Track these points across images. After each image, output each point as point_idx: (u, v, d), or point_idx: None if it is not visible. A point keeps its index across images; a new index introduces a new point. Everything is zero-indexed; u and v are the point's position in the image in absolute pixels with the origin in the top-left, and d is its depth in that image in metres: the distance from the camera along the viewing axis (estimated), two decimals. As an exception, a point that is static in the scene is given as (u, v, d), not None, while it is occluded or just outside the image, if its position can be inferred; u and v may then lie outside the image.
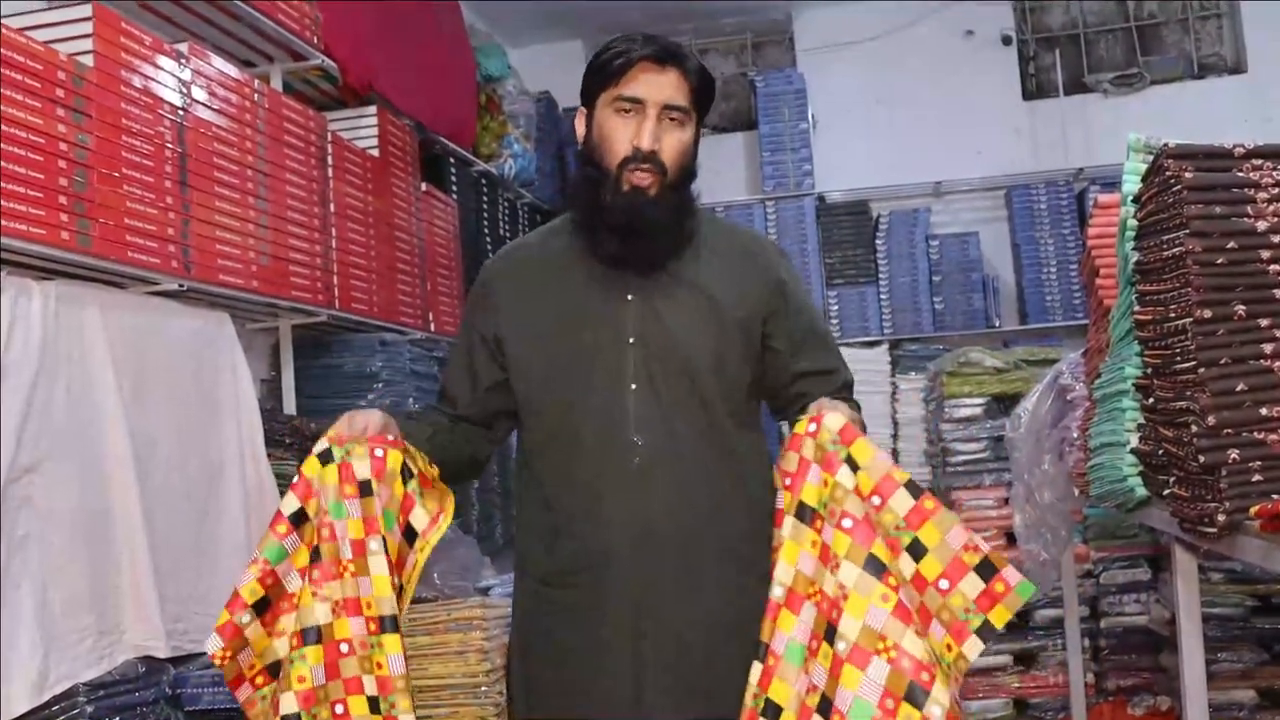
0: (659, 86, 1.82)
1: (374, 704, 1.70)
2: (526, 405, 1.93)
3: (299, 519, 1.75)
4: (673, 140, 1.84)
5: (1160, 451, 1.84)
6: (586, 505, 1.83)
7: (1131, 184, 1.98)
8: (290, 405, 3.54)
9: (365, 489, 1.74)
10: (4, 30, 2.25)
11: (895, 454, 5.85)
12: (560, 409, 1.87)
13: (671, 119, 1.84)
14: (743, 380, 1.91)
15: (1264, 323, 1.61)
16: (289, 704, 1.68)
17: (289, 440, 3.21)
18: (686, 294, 1.89)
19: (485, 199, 4.94)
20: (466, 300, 2.06)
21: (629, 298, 1.87)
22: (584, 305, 1.88)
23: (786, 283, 1.96)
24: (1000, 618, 1.60)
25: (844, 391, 1.95)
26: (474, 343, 1.98)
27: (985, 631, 1.60)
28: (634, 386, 1.85)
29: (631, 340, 1.86)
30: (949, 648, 1.60)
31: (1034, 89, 6.37)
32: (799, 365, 1.93)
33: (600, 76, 1.86)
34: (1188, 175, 1.64)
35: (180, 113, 2.76)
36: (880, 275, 6.05)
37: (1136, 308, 1.88)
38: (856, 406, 1.90)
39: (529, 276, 1.95)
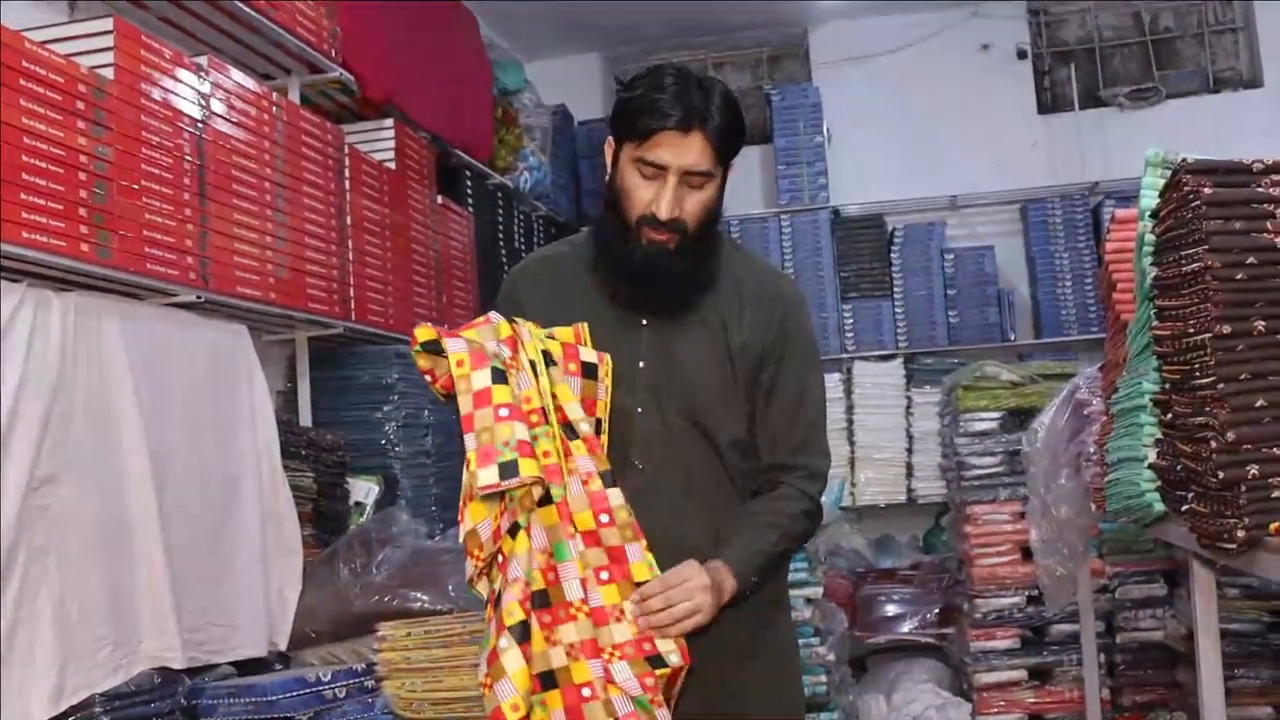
0: (681, 153, 1.78)
1: None
2: None
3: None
4: (694, 202, 1.82)
5: (1178, 467, 1.83)
6: None
7: (1149, 199, 1.97)
8: (306, 417, 3.55)
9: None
10: (25, 43, 2.27)
11: (910, 468, 5.84)
12: None
13: (693, 184, 1.81)
14: (737, 408, 1.91)
15: (1283, 338, 1.59)
16: None
17: (305, 452, 3.22)
18: (700, 327, 1.90)
19: (501, 211, 4.95)
20: (495, 308, 2.03)
21: (643, 323, 1.89)
22: (599, 326, 1.88)
23: (784, 326, 1.93)
24: None
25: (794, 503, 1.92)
26: None
27: None
28: (640, 410, 1.86)
29: (641, 365, 1.87)
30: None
31: (1049, 103, 6.36)
32: (767, 439, 1.92)
33: (625, 128, 1.83)
34: (1206, 190, 1.64)
35: (199, 125, 2.78)
36: (895, 289, 6.04)
37: (1155, 323, 1.87)
38: (806, 516, 1.92)
39: (552, 286, 1.95)
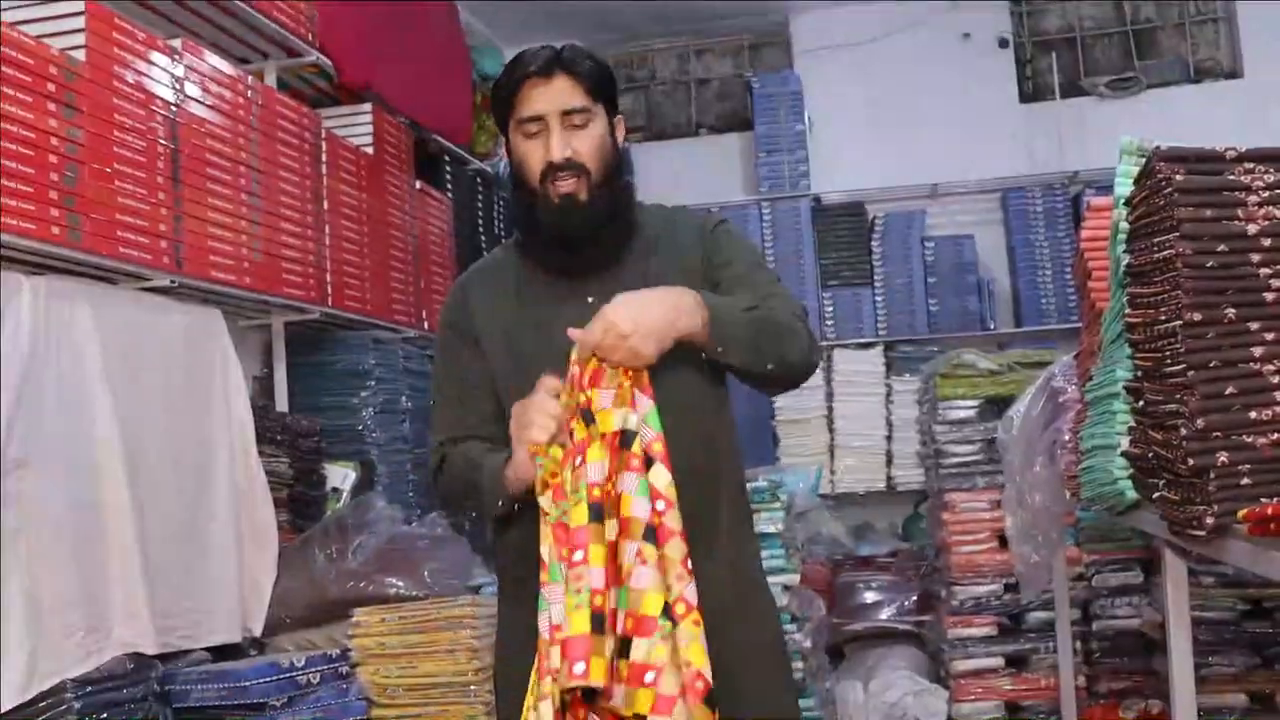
0: (551, 97, 1.86)
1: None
2: (500, 412, 1.93)
3: None
4: (583, 140, 1.88)
5: (1150, 454, 1.83)
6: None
7: (1123, 187, 1.98)
8: (283, 402, 3.54)
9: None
10: (-4, 24, 2.24)
11: (889, 456, 5.86)
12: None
13: (575, 123, 1.87)
14: (708, 364, 1.90)
15: (1253, 326, 1.60)
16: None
17: (281, 437, 3.21)
18: (643, 287, 1.86)
19: (480, 197, 4.93)
20: (440, 328, 2.06)
21: (589, 300, 1.88)
22: (546, 312, 1.90)
23: (712, 243, 1.96)
24: None
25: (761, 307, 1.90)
26: (459, 351, 1.97)
27: None
28: None
29: None
30: None
31: (1030, 92, 6.36)
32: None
33: (501, 105, 1.91)
34: (1178, 178, 1.64)
35: (173, 109, 2.76)
36: (876, 277, 6.03)
37: (1127, 310, 1.88)
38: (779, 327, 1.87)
39: (494, 286, 1.99)
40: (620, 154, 1.96)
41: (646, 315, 1.73)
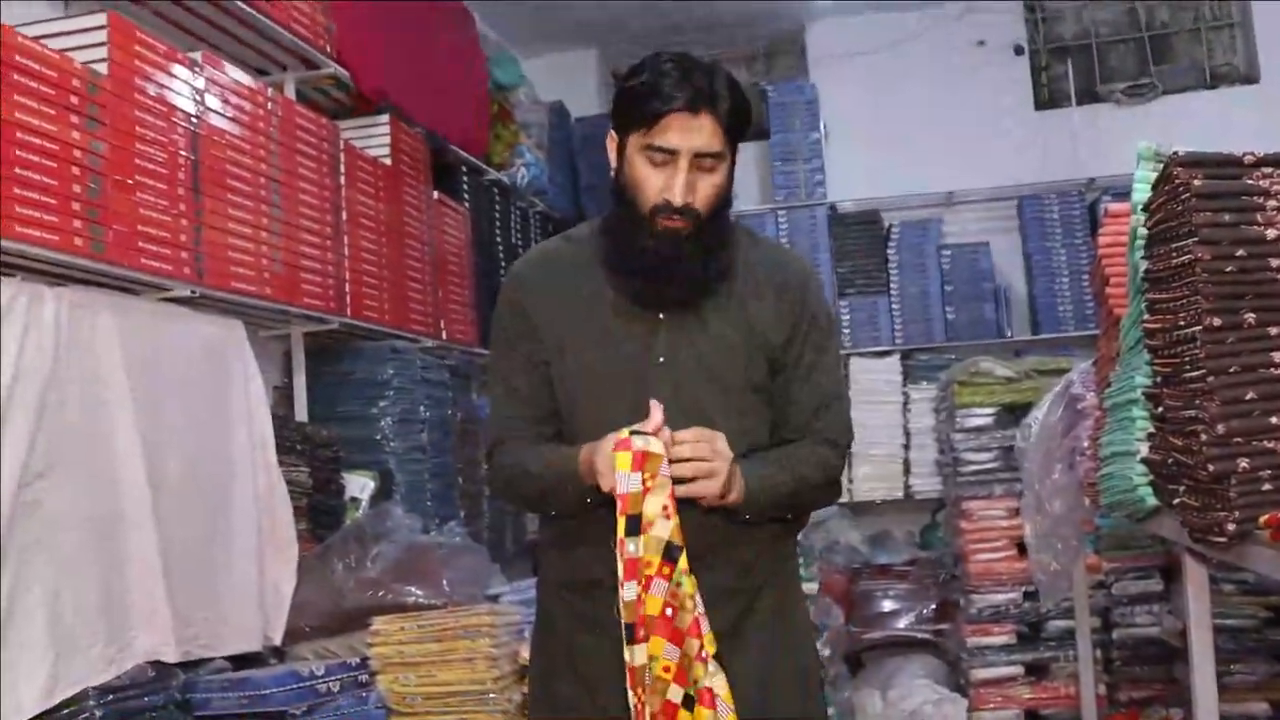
0: (691, 135, 1.76)
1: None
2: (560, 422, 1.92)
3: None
4: (706, 186, 1.79)
5: (1170, 461, 1.83)
6: (605, 519, 1.78)
7: (1141, 192, 1.98)
8: (302, 412, 3.54)
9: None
10: (20, 39, 2.27)
11: (907, 464, 5.84)
12: (585, 424, 1.85)
13: (704, 167, 1.78)
14: (762, 401, 1.89)
15: (1273, 331, 1.60)
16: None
17: (300, 447, 3.22)
18: (719, 317, 1.87)
19: (497, 207, 4.94)
20: (498, 317, 1.98)
21: (660, 317, 1.85)
22: (614, 321, 1.86)
23: (804, 305, 1.91)
24: None
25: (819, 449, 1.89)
26: (519, 346, 1.92)
27: None
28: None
29: (661, 360, 1.84)
30: None
31: (1046, 99, 6.35)
32: (785, 414, 1.90)
33: (630, 116, 1.79)
34: (1196, 183, 1.64)
35: (193, 120, 2.78)
36: (892, 285, 6.03)
37: (1146, 316, 1.88)
38: (826, 470, 1.88)
39: (558, 287, 1.91)
40: (731, 191, 1.86)
41: (722, 474, 1.72)
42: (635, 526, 1.66)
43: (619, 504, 1.67)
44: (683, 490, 1.70)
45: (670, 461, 1.69)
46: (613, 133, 1.86)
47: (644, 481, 1.67)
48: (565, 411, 1.89)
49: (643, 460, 1.67)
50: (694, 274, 1.82)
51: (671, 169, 1.77)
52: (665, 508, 1.67)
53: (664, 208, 1.77)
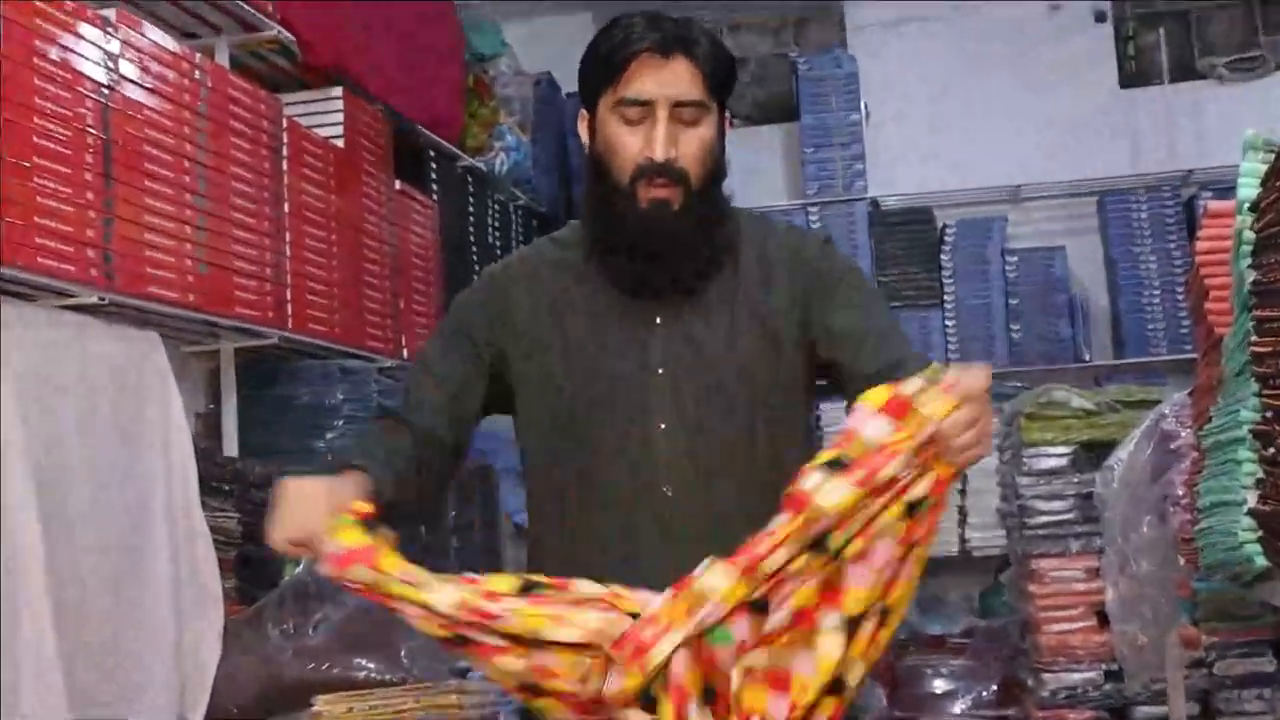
0: (665, 82, 1.83)
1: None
2: (540, 444, 1.95)
3: None
4: (690, 141, 1.85)
5: (1284, 513, 1.81)
6: (609, 563, 1.81)
7: (1248, 189, 1.98)
8: (232, 445, 3.54)
9: None
10: (-105, -9, 2.26)
11: (963, 513, 5.81)
12: (577, 452, 1.89)
13: (685, 119, 1.84)
14: (795, 410, 1.92)
15: None
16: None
17: (229, 487, 3.21)
18: (724, 314, 1.90)
19: (472, 200, 4.95)
20: (460, 297, 2.07)
21: (657, 321, 1.89)
22: (605, 330, 1.89)
23: (816, 273, 1.93)
24: None
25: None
26: (461, 342, 1.98)
27: None
28: (662, 426, 1.85)
29: (660, 371, 1.87)
30: None
31: (1133, 75, 6.36)
32: (860, 366, 1.88)
33: (597, 75, 1.87)
34: (1317, 176, 1.63)
35: (105, 92, 2.77)
36: (946, 297, 6.04)
37: (1254, 337, 1.87)
38: None
39: (544, 288, 1.96)
40: (724, 159, 1.93)
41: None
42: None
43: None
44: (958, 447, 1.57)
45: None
46: (583, 111, 1.93)
47: None
48: (553, 434, 1.92)
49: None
50: (687, 252, 1.87)
51: (649, 123, 1.83)
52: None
53: (646, 168, 1.83)
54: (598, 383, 1.88)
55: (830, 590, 1.58)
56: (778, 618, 1.58)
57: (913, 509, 1.58)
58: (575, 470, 1.90)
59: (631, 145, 1.84)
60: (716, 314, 1.90)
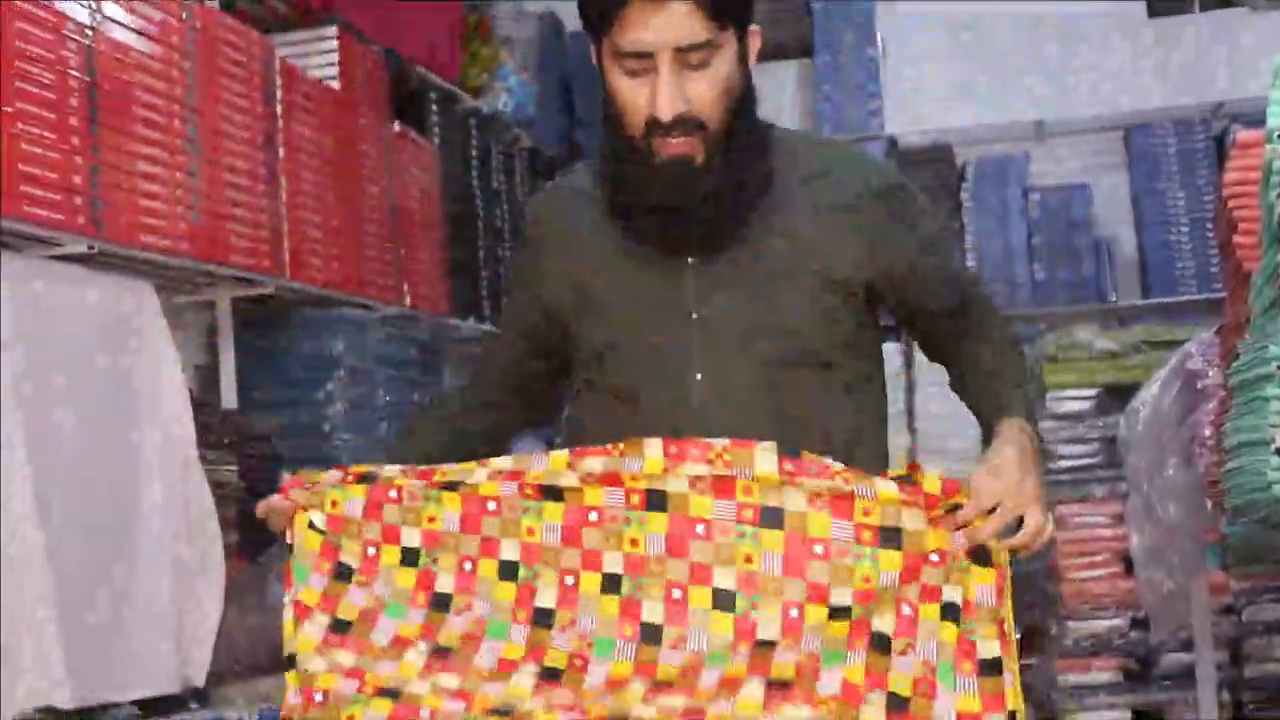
0: (661, 27, 1.69)
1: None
2: (575, 385, 1.94)
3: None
4: (702, 86, 1.73)
5: (1314, 452, 1.81)
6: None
7: (1278, 117, 1.95)
8: (230, 398, 3.54)
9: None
10: None
11: (985, 460, 5.82)
12: (611, 402, 1.85)
13: (692, 63, 1.71)
14: (843, 354, 1.85)
15: None
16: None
17: (228, 441, 3.22)
18: (761, 252, 1.81)
19: (474, 142, 4.92)
20: (516, 250, 2.14)
21: (689, 261, 1.82)
22: (637, 272, 1.84)
23: (888, 218, 1.85)
24: None
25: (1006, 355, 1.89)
26: (518, 304, 2.05)
27: None
28: (699, 377, 1.80)
29: (695, 316, 1.81)
30: None
31: (1162, 2, 6.30)
32: (932, 305, 1.89)
33: (591, 23, 1.76)
34: (1350, 101, 1.61)
35: (89, 33, 2.76)
36: (966, 237, 6.03)
37: (1284, 271, 1.85)
38: (1025, 377, 1.88)
39: (573, 228, 1.91)
40: (751, 88, 1.80)
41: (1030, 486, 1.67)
42: None
43: None
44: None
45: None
46: (594, 44, 1.83)
47: None
48: (584, 378, 1.92)
49: None
50: (714, 207, 1.77)
51: (652, 76, 1.72)
52: None
53: (655, 126, 1.72)
54: (634, 329, 1.83)
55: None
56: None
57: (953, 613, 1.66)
58: (609, 421, 1.83)
59: (637, 100, 1.73)
60: (750, 254, 1.81)
